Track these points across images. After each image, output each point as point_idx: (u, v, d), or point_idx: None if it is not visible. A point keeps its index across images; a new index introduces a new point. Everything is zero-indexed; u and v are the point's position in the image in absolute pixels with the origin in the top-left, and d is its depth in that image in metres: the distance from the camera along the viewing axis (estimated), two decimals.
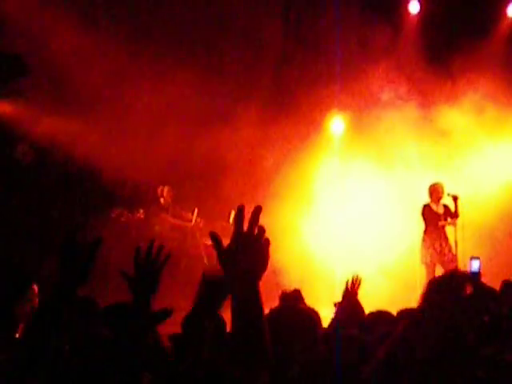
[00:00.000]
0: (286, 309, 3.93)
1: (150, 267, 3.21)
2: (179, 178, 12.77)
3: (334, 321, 4.23)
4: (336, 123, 13.62)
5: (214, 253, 2.26)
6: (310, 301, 4.96)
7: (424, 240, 11.75)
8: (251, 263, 2.18)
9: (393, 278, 12.38)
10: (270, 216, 12.36)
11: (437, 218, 11.69)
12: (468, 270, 4.56)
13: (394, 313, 4.79)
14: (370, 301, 5.32)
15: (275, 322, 3.46)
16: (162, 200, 12.92)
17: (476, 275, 4.46)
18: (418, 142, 13.12)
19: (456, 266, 11.02)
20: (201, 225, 12.80)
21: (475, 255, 4.68)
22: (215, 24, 12.97)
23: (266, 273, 2.22)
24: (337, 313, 4.62)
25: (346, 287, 4.84)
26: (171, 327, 4.08)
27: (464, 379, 2.78)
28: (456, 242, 11.10)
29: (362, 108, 13.43)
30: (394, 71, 13.37)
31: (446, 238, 11.71)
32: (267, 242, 2.21)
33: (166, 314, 3.42)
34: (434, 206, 11.73)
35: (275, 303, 4.30)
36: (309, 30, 13.42)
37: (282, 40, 13.73)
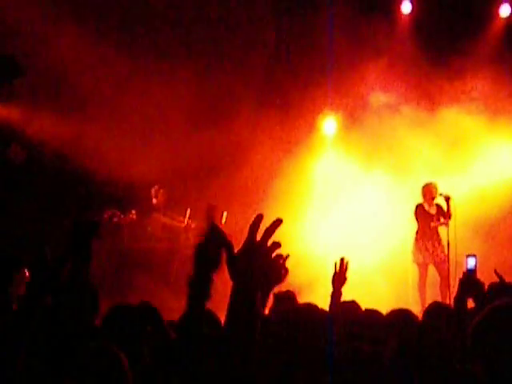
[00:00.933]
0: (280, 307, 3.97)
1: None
2: (172, 179, 12.76)
3: (329, 315, 4.24)
4: (328, 124, 13.62)
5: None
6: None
7: (416, 240, 11.78)
8: (260, 273, 2.20)
9: (385, 278, 12.39)
10: (266, 219, 12.37)
11: (429, 218, 11.71)
12: (464, 267, 4.57)
13: (384, 312, 4.83)
14: (362, 299, 5.34)
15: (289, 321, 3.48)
16: (154, 200, 12.91)
17: (472, 273, 4.48)
18: (412, 142, 13.13)
19: (448, 267, 11.06)
20: (193, 225, 12.80)
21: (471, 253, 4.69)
22: (207, 24, 12.96)
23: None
24: (331, 303, 4.65)
25: (335, 270, 4.88)
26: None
27: None
28: (448, 243, 11.12)
29: (355, 108, 13.44)
30: (387, 72, 13.39)
31: (439, 239, 11.74)
32: (280, 258, 2.22)
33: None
34: (426, 206, 11.76)
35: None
36: (301, 31, 13.42)
37: (275, 40, 13.73)
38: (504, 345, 2.48)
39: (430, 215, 11.72)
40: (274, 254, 2.23)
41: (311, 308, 4.33)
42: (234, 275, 2.22)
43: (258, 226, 2.20)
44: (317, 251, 12.42)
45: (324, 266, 12.34)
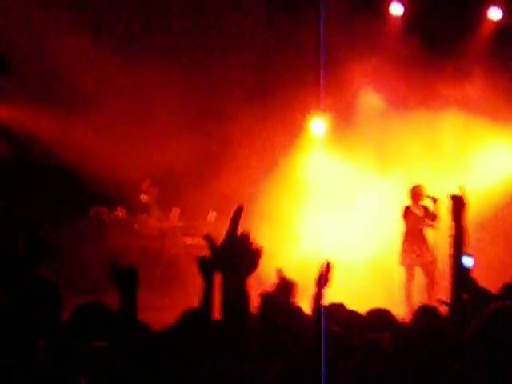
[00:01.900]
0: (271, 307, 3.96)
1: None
2: (160, 177, 12.73)
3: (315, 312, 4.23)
4: (317, 124, 13.60)
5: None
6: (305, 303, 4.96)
7: (403, 242, 11.79)
8: (242, 261, 2.29)
9: (371, 279, 12.41)
10: (254, 219, 12.37)
11: (417, 220, 11.73)
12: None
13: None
14: (349, 300, 5.32)
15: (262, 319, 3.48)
16: (143, 196, 12.85)
17: (467, 272, 4.47)
18: (401, 143, 13.14)
19: (435, 268, 11.08)
20: (181, 224, 12.77)
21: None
22: (196, 23, 12.93)
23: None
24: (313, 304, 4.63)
25: (320, 272, 4.86)
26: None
27: None
28: (435, 244, 11.13)
29: (344, 109, 13.44)
30: (377, 72, 13.40)
31: (426, 241, 11.75)
32: (256, 246, 2.32)
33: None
34: (414, 208, 11.77)
35: None
36: (291, 31, 13.41)
37: (264, 40, 13.72)
38: (506, 345, 2.47)
39: (417, 217, 11.73)
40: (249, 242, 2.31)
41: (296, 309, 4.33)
42: (219, 264, 2.30)
43: (239, 216, 2.29)
44: (305, 252, 12.41)
45: (311, 266, 12.35)
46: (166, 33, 12.74)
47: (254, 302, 3.73)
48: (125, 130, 12.35)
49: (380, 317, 4.59)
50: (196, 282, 3.51)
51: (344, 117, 13.45)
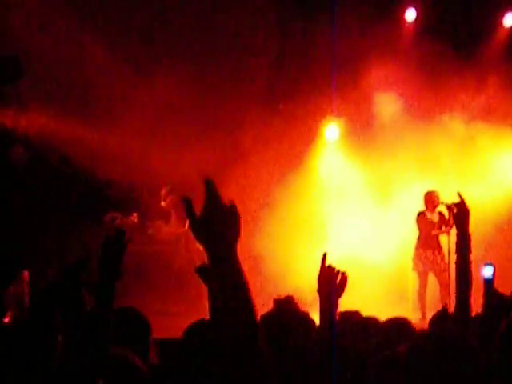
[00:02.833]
0: (280, 312, 3.97)
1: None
2: (174, 183, 12.74)
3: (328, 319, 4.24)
4: (331, 129, 13.59)
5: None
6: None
7: (417, 248, 11.77)
8: (223, 229, 2.21)
9: (385, 286, 12.38)
10: (265, 225, 12.38)
11: (431, 226, 11.70)
12: (481, 276, 4.52)
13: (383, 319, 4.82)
14: (362, 307, 5.33)
15: (269, 324, 3.48)
16: (163, 203, 12.85)
17: (489, 282, 4.43)
18: (415, 149, 13.11)
19: (448, 276, 11.04)
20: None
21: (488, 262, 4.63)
22: (211, 29, 12.95)
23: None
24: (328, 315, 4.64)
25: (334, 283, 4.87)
26: (163, 332, 4.07)
27: None
28: (449, 251, 11.11)
29: (358, 114, 13.42)
30: (391, 78, 13.38)
31: (440, 247, 11.72)
32: (235, 210, 2.25)
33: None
34: (429, 215, 11.75)
35: None
36: (304, 36, 13.42)
37: (278, 46, 13.72)
38: None
39: (432, 223, 11.71)
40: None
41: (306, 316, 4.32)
42: (199, 235, 2.24)
43: (214, 188, 2.25)
44: (317, 258, 12.37)
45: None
46: (179, 40, 12.76)
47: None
48: (139, 135, 12.38)
49: (398, 326, 4.57)
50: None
51: (359, 122, 13.45)
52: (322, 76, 12.25)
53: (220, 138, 12.43)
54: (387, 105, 13.55)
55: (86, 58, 12.08)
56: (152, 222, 12.95)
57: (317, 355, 3.46)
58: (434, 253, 11.68)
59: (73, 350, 3.05)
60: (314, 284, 4.03)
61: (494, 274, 4.48)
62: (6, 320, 4.19)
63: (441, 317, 4.92)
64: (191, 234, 2.34)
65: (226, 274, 2.19)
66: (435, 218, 11.72)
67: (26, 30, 11.54)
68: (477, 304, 4.46)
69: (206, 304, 3.18)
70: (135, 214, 12.69)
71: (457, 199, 4.65)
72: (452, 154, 13.14)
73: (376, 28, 13.05)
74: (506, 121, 13.11)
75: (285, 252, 12.22)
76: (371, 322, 4.81)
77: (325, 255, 4.44)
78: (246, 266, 2.28)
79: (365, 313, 5.08)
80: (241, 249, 2.29)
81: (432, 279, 11.81)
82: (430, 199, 11.69)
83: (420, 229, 11.76)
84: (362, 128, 13.41)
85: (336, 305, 4.61)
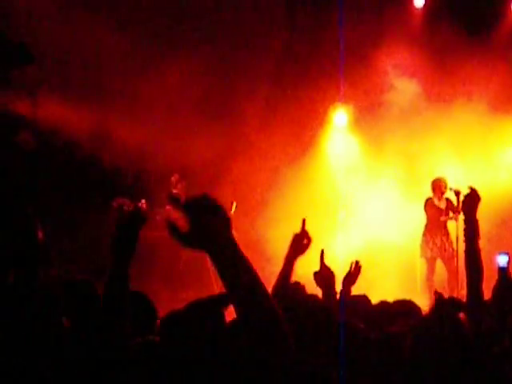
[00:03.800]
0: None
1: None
2: (182, 171, 12.75)
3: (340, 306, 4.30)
4: (339, 116, 13.57)
5: None
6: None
7: (425, 234, 11.77)
8: (210, 222, 2.18)
9: (393, 272, 12.38)
10: (273, 216, 12.36)
11: (439, 212, 11.69)
12: (496, 265, 4.53)
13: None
14: (371, 293, 5.34)
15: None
16: (174, 191, 12.85)
17: (504, 271, 4.43)
18: (423, 136, 13.08)
19: (456, 262, 11.04)
20: None
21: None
22: (219, 18, 12.93)
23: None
24: (340, 300, 4.68)
25: (349, 270, 4.96)
26: None
27: None
28: (457, 238, 11.10)
29: (366, 100, 13.40)
30: (399, 64, 13.35)
31: (447, 233, 11.72)
32: (208, 197, 2.21)
33: None
34: (436, 201, 11.73)
35: None
36: (313, 22, 13.39)
37: (286, 32, 13.69)
38: None
39: (440, 210, 11.70)
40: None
41: (317, 300, 4.36)
42: (197, 246, 2.21)
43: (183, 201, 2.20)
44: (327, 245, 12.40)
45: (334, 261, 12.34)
46: (188, 32, 12.75)
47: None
48: (147, 123, 12.38)
49: (404, 307, 4.61)
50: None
51: (368, 108, 13.42)
52: (330, 62, 12.23)
53: (229, 123, 12.44)
54: (396, 91, 13.52)
55: (97, 45, 12.07)
56: (160, 208, 12.94)
57: (325, 336, 3.50)
58: (442, 239, 11.68)
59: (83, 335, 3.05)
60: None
61: (508, 263, 4.49)
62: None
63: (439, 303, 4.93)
64: None
65: (233, 265, 2.17)
66: (443, 204, 11.71)
67: (33, 14, 11.54)
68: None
69: (214, 290, 3.18)
70: (143, 201, 12.69)
71: (460, 185, 4.69)
72: (465, 141, 13.10)
73: (385, 14, 13.02)
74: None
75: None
76: (379, 305, 4.85)
77: (322, 252, 4.49)
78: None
79: (373, 300, 5.09)
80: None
81: (440, 265, 11.82)
82: (438, 185, 11.67)
83: (428, 215, 11.76)
84: (371, 114, 13.38)
85: (349, 292, 4.67)
